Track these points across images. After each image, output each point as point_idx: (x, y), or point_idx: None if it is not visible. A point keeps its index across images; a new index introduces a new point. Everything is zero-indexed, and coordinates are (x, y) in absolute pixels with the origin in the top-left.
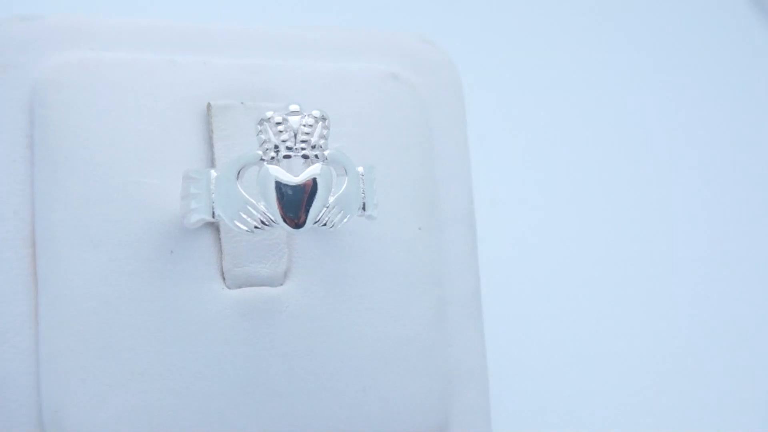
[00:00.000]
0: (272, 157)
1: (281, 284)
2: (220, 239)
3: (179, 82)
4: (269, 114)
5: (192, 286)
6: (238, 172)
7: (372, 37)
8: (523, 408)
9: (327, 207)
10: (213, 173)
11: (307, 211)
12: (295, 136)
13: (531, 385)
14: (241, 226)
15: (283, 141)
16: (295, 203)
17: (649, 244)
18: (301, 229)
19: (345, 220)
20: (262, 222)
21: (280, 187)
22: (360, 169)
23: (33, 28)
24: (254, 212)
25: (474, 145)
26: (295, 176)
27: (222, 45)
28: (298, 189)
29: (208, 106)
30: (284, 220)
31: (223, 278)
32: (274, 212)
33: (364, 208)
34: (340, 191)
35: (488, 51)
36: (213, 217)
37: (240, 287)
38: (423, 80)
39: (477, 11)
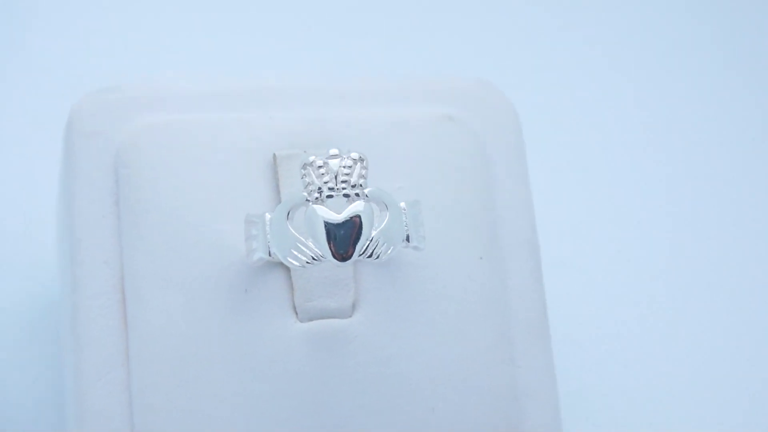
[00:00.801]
0: (316, 198)
1: (349, 316)
2: (290, 277)
3: (246, 137)
4: (311, 158)
5: (266, 320)
6: (288, 213)
7: (427, 82)
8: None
9: (371, 240)
10: (267, 216)
11: (353, 245)
12: (336, 177)
13: (605, 410)
14: (294, 262)
15: (326, 182)
16: (341, 238)
17: (722, 268)
18: (348, 262)
19: (389, 251)
20: (312, 258)
21: (326, 224)
22: (402, 204)
23: (113, 98)
24: (304, 249)
25: (538, 177)
26: (338, 214)
27: (284, 99)
28: (342, 225)
29: (274, 156)
30: (333, 255)
31: (295, 312)
32: (322, 248)
33: (408, 240)
34: (383, 225)
35: (545, 89)
36: (270, 255)
37: (311, 320)
38: (479, 118)
39: (533, 52)
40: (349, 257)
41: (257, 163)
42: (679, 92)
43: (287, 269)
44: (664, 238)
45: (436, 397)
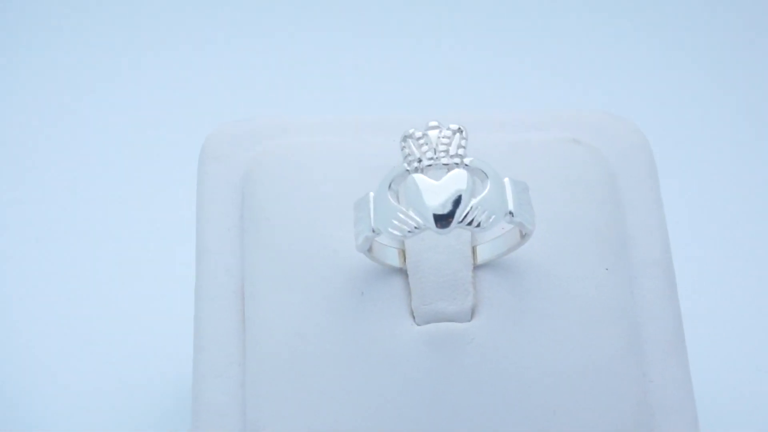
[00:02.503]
0: (416, 168)
1: (468, 320)
2: (407, 281)
3: (365, 155)
4: (411, 131)
5: (381, 322)
6: (389, 186)
7: (555, 112)
8: None
9: (471, 208)
10: (371, 194)
11: (452, 211)
12: (435, 148)
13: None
14: (394, 231)
15: (425, 152)
16: (440, 204)
17: None
18: (449, 228)
19: (491, 219)
20: (415, 227)
21: (424, 191)
22: (506, 179)
23: (241, 128)
24: (404, 218)
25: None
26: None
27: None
28: (441, 191)
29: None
30: (433, 222)
31: (412, 316)
32: (423, 215)
33: (512, 215)
34: (483, 194)
35: (680, 124)
36: (373, 231)
37: (428, 323)
38: (605, 143)
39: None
40: (449, 223)
41: (373, 178)
42: None
43: (404, 274)
44: None
45: (558, 400)
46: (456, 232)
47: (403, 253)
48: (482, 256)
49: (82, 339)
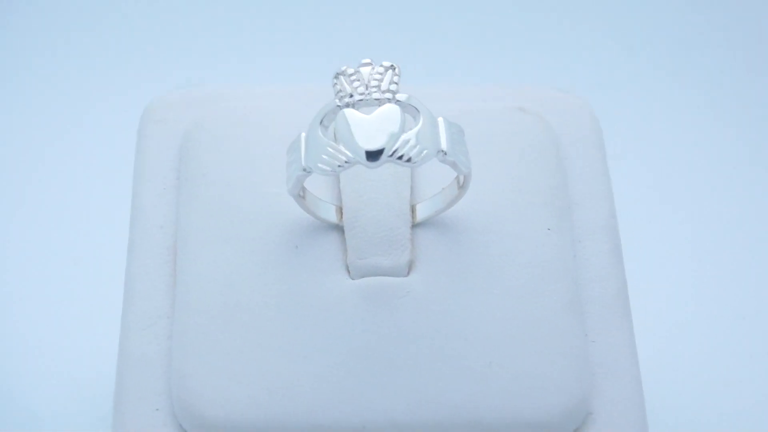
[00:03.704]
0: (347, 104)
1: (405, 275)
2: (344, 237)
3: (305, 117)
4: (343, 68)
5: (315, 275)
6: (321, 122)
7: (503, 86)
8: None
9: (402, 141)
10: (303, 134)
11: (382, 145)
12: (367, 84)
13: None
14: (324, 167)
15: (356, 88)
16: (370, 135)
17: None
18: (379, 161)
19: (423, 153)
20: (345, 161)
21: (354, 124)
22: (440, 119)
23: (183, 94)
24: (335, 152)
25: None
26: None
27: None
28: (371, 124)
29: None
30: (364, 157)
31: (347, 271)
32: (353, 148)
33: (446, 154)
34: (416, 128)
35: (630, 100)
36: (304, 169)
37: (363, 277)
38: (552, 113)
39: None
40: (379, 157)
41: None
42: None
43: (341, 231)
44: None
45: (494, 353)
46: (394, 185)
47: (340, 210)
48: (422, 214)
49: (22, 298)
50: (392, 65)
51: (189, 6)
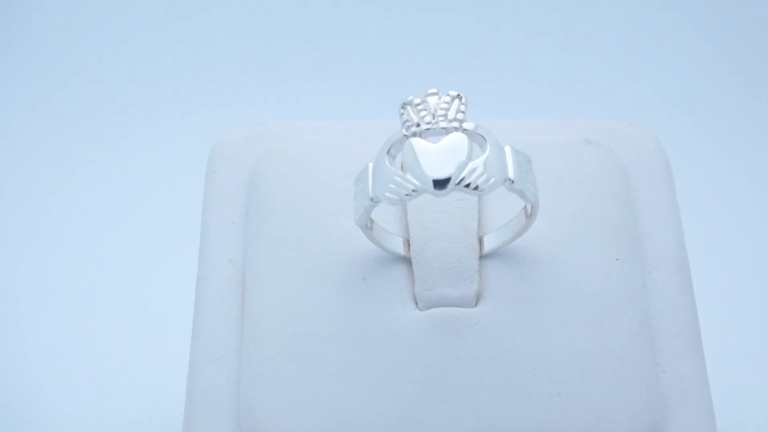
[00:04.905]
0: (414, 133)
1: (473, 306)
2: (411, 269)
3: (369, 151)
4: (410, 98)
5: (383, 306)
6: (388, 152)
7: (567, 119)
8: None
9: (469, 170)
10: (370, 164)
11: (450, 173)
12: (434, 113)
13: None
14: (391, 195)
15: (422, 117)
16: (437, 164)
17: None
18: (446, 189)
19: (490, 182)
20: (412, 190)
21: (421, 153)
22: (507, 147)
23: (251, 131)
24: (401, 181)
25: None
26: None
27: None
28: (439, 153)
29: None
30: (431, 185)
31: (415, 302)
32: (420, 176)
33: (513, 182)
34: (483, 157)
35: (695, 128)
36: (371, 201)
37: (431, 308)
38: (619, 145)
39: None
40: (446, 184)
41: None
42: None
43: (408, 263)
44: None
45: (563, 383)
46: (462, 217)
47: (407, 242)
48: (489, 245)
49: (89, 332)
50: (458, 94)
51: (251, 47)
